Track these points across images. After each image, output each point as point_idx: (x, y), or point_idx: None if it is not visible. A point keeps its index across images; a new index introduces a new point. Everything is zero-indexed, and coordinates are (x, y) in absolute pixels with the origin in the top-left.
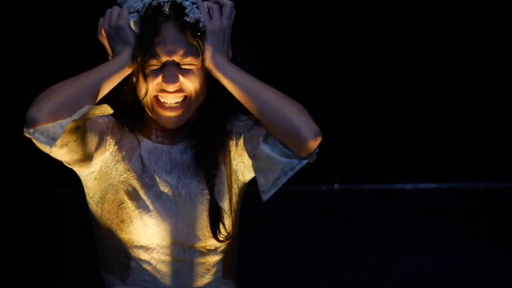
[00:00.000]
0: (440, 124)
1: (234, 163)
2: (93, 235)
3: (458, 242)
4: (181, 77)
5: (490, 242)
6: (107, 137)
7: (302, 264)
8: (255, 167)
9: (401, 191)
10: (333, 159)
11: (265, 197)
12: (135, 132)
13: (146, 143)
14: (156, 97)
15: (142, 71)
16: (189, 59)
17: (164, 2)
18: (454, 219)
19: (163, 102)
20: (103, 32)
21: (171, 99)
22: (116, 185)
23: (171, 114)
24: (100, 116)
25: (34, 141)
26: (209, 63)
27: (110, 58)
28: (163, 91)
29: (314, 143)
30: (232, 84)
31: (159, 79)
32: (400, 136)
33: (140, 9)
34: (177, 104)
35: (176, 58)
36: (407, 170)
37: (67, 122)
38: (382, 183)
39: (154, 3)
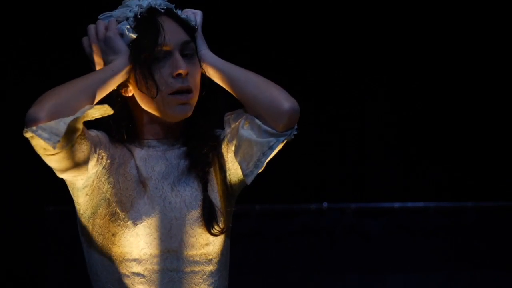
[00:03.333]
0: (428, 144)
1: (223, 175)
2: (82, 253)
3: (446, 261)
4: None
5: (478, 261)
6: (100, 151)
7: (290, 282)
8: (237, 156)
9: (390, 210)
10: (322, 178)
11: (249, 180)
12: (126, 145)
13: (139, 153)
14: (170, 94)
15: (149, 71)
16: (191, 46)
17: (155, 4)
18: (442, 238)
19: (178, 88)
20: (94, 48)
21: (184, 85)
22: (108, 198)
23: (186, 100)
24: (92, 130)
25: (35, 141)
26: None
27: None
28: (175, 80)
29: (292, 114)
30: (215, 69)
31: (168, 71)
32: (388, 155)
33: (131, 16)
34: (191, 86)
35: (179, 44)
36: (395, 189)
37: (70, 119)
38: (370, 201)
39: (145, 7)
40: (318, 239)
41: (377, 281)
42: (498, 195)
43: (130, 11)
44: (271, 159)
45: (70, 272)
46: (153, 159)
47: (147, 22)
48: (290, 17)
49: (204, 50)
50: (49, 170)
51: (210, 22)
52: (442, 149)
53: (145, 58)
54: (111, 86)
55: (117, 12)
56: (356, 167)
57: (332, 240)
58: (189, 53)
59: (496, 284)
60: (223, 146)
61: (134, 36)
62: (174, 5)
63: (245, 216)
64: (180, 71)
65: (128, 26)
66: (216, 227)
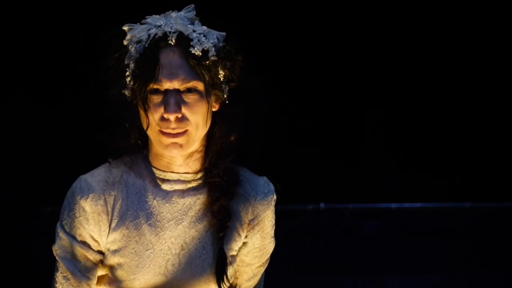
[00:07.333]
0: (426, 145)
1: (239, 226)
2: None
3: (443, 262)
4: (183, 108)
5: (475, 262)
6: (98, 227)
7: (288, 282)
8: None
9: (387, 211)
10: (319, 179)
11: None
12: (145, 181)
13: (157, 192)
14: (159, 130)
15: (143, 104)
16: (191, 83)
17: (170, 33)
18: (439, 238)
19: (166, 132)
20: None
21: (173, 130)
22: (111, 253)
23: (175, 140)
24: (87, 220)
25: None
26: None
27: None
28: (165, 121)
29: None
30: None
31: (161, 110)
32: (386, 156)
33: (144, 40)
34: (180, 131)
35: (178, 83)
36: (393, 190)
37: None
38: (367, 202)
39: (159, 33)
40: (315, 240)
41: (375, 282)
42: (496, 196)
43: (148, 30)
44: (270, 159)
45: None
46: (169, 200)
47: (148, 56)
48: (290, 17)
49: None
50: (46, 171)
51: (207, 22)
52: (439, 150)
53: (139, 91)
54: None
55: (139, 29)
56: (354, 168)
57: (330, 241)
58: (190, 86)
59: (493, 285)
60: (252, 224)
61: (132, 68)
62: (198, 18)
63: None
64: (168, 116)
65: (132, 59)
66: (226, 282)
